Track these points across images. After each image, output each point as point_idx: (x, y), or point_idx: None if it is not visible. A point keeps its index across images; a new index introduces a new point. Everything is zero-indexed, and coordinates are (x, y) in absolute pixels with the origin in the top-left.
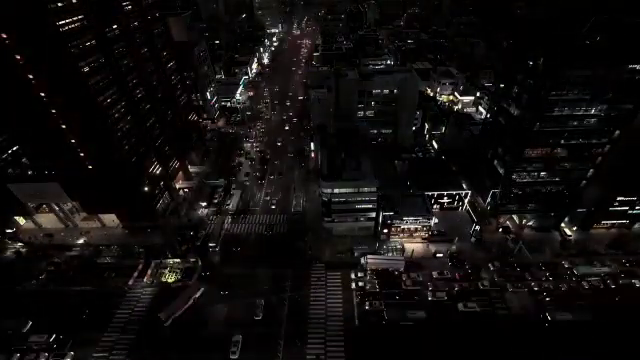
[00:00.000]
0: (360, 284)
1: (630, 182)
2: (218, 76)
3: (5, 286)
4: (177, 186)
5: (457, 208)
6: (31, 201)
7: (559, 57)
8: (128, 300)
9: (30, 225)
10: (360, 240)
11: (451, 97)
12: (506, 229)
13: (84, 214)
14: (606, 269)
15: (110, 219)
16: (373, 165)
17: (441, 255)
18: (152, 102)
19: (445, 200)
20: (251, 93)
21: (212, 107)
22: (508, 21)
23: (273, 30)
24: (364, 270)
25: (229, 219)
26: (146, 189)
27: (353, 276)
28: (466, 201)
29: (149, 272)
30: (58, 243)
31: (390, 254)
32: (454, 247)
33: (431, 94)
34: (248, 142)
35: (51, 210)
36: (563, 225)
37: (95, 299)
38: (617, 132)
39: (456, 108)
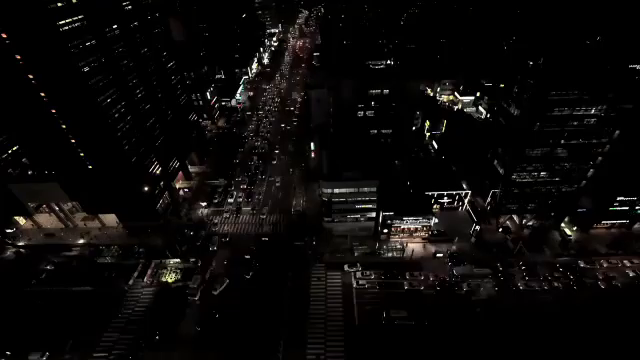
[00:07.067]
0: None
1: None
2: (218, 76)
3: (5, 286)
4: (177, 186)
5: (457, 208)
6: (31, 201)
7: None
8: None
9: (30, 225)
10: (360, 240)
11: (451, 97)
12: (506, 229)
13: (84, 214)
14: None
15: (110, 219)
16: (373, 165)
17: (441, 255)
18: (152, 102)
19: (445, 200)
20: (251, 93)
21: (212, 107)
22: None
23: (273, 30)
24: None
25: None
26: (146, 189)
27: None
28: (466, 201)
29: (149, 272)
30: (58, 243)
31: (390, 254)
32: (454, 247)
33: (431, 94)
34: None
35: (51, 210)
36: (563, 225)
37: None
38: (617, 132)
39: (456, 108)
